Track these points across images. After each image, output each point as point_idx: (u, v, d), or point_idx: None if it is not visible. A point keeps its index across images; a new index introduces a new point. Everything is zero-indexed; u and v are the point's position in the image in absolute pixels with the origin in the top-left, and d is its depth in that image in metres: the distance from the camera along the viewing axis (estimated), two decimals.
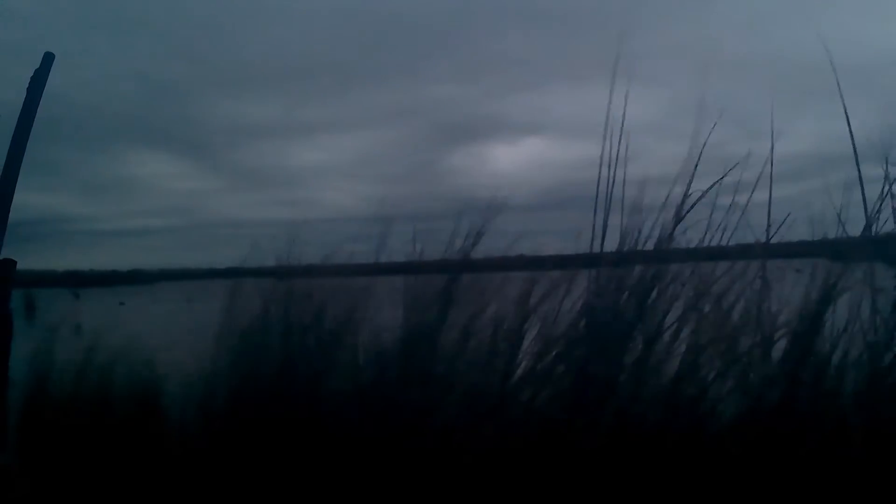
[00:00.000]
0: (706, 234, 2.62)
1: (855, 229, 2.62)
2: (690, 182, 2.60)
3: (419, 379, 2.68)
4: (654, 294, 2.53)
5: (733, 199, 2.66)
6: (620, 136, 2.87)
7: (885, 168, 2.57)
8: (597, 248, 2.81)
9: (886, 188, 2.60)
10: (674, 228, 2.60)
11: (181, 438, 3.01)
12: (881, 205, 2.57)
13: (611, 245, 2.78)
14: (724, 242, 2.62)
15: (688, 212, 2.61)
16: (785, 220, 2.61)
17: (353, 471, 2.44)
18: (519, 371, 2.64)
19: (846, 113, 2.64)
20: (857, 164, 2.61)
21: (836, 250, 2.55)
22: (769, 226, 2.64)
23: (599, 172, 2.87)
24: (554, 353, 2.58)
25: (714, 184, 2.60)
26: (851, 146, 2.73)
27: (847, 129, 2.74)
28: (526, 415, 2.55)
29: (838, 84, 2.66)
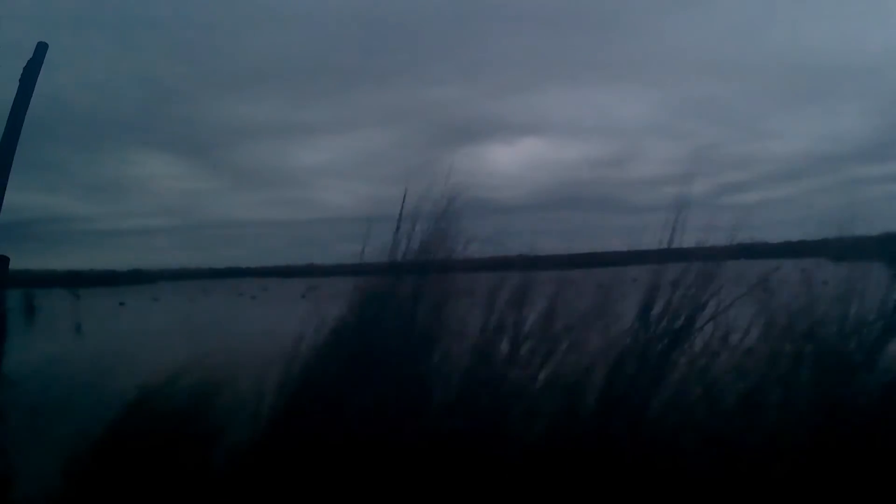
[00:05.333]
0: (709, 234, 2.61)
1: (857, 229, 2.61)
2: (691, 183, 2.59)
3: (424, 381, 2.68)
4: (656, 293, 2.53)
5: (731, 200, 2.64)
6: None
7: None
8: (602, 248, 2.80)
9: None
10: (675, 229, 2.57)
11: (184, 440, 3.01)
12: None
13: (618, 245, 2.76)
14: (724, 243, 2.62)
15: (686, 213, 2.58)
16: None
17: (364, 474, 2.43)
18: (537, 371, 2.62)
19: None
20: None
21: (838, 250, 2.55)
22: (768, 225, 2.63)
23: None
24: (558, 353, 2.57)
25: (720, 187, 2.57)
26: (850, 146, 2.73)
27: (841, 129, 2.73)
28: (544, 416, 2.54)
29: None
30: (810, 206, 2.66)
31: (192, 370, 3.15)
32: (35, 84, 1.07)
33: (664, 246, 2.64)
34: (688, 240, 2.66)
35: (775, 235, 2.67)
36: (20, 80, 1.04)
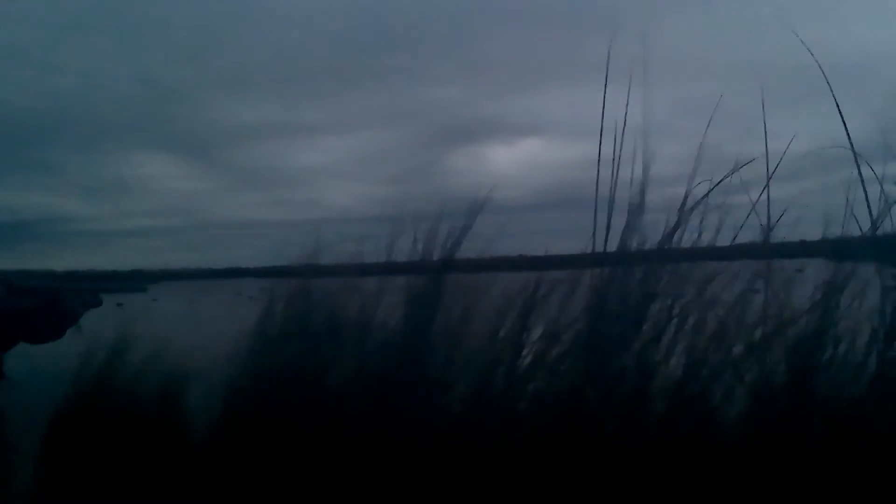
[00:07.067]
0: (707, 234, 2.63)
1: (856, 229, 2.62)
2: (691, 183, 2.61)
3: (424, 377, 2.69)
4: (657, 293, 2.54)
5: (730, 200, 2.65)
6: (623, 135, 2.86)
7: None
8: (598, 249, 2.81)
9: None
10: (675, 229, 2.60)
11: (183, 438, 3.02)
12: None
13: (612, 245, 2.77)
14: (725, 242, 2.63)
15: (690, 213, 2.62)
16: (780, 217, 2.61)
17: (359, 469, 2.45)
18: (523, 369, 2.65)
19: (841, 114, 2.64)
20: (858, 164, 2.61)
21: (837, 250, 2.56)
22: (769, 224, 2.65)
23: (598, 173, 2.86)
24: (557, 353, 2.58)
25: (714, 185, 2.61)
26: (848, 147, 2.73)
27: (841, 129, 2.74)
28: (529, 411, 2.56)
29: (829, 83, 2.66)
30: (810, 206, 2.66)
31: (173, 362, 3.19)
32: None
33: (664, 246, 2.65)
34: (687, 240, 2.67)
35: (775, 235, 2.67)
36: None
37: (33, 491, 3.00)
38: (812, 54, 2.68)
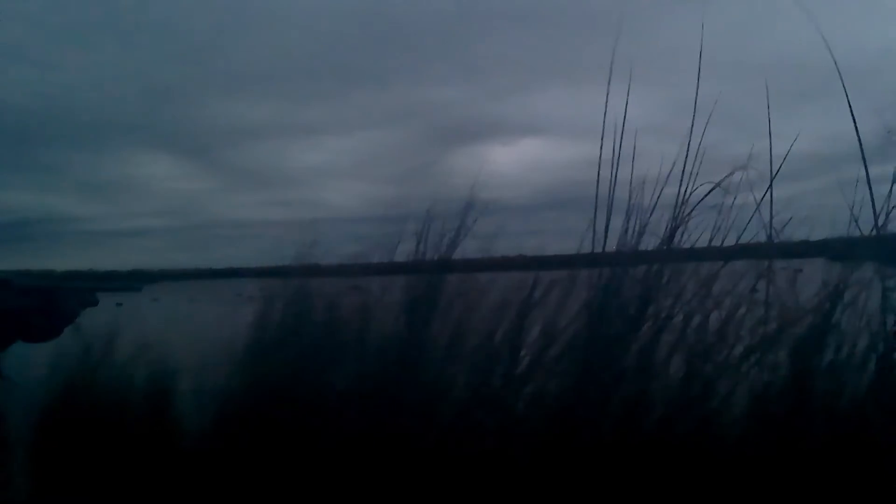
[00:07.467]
0: (709, 234, 2.62)
1: (857, 229, 2.61)
2: (688, 183, 2.61)
3: (421, 377, 2.69)
4: (656, 293, 2.54)
5: (733, 200, 2.65)
6: (622, 136, 2.85)
7: None
8: (597, 249, 2.80)
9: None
10: (675, 229, 2.60)
11: (183, 438, 3.01)
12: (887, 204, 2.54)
13: (611, 245, 2.77)
14: (725, 243, 2.62)
15: (689, 214, 2.61)
16: (788, 222, 2.60)
17: (358, 469, 2.45)
18: (522, 369, 2.64)
19: (851, 111, 2.62)
20: (865, 163, 2.59)
21: (837, 250, 2.55)
22: (771, 225, 2.64)
23: (598, 173, 2.85)
24: (556, 352, 2.58)
25: (715, 186, 2.60)
26: (849, 146, 2.72)
27: (841, 129, 2.72)
28: (528, 412, 2.56)
29: (843, 82, 2.64)
30: (812, 206, 2.66)
31: (170, 362, 3.20)
32: None
33: (663, 246, 2.65)
34: (687, 240, 2.67)
35: (777, 235, 2.66)
36: None
37: (31, 490, 2.99)
38: (829, 50, 2.65)
